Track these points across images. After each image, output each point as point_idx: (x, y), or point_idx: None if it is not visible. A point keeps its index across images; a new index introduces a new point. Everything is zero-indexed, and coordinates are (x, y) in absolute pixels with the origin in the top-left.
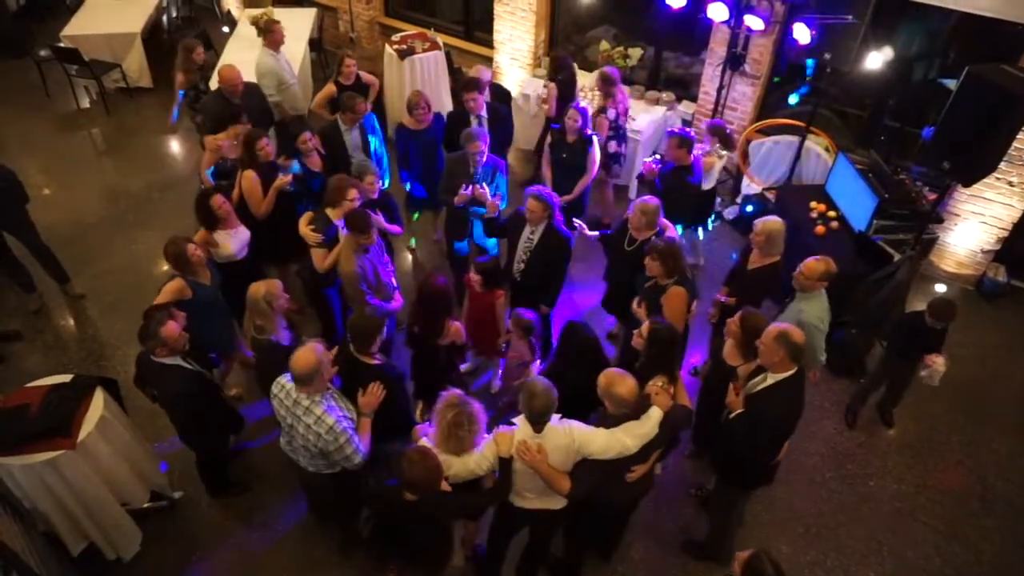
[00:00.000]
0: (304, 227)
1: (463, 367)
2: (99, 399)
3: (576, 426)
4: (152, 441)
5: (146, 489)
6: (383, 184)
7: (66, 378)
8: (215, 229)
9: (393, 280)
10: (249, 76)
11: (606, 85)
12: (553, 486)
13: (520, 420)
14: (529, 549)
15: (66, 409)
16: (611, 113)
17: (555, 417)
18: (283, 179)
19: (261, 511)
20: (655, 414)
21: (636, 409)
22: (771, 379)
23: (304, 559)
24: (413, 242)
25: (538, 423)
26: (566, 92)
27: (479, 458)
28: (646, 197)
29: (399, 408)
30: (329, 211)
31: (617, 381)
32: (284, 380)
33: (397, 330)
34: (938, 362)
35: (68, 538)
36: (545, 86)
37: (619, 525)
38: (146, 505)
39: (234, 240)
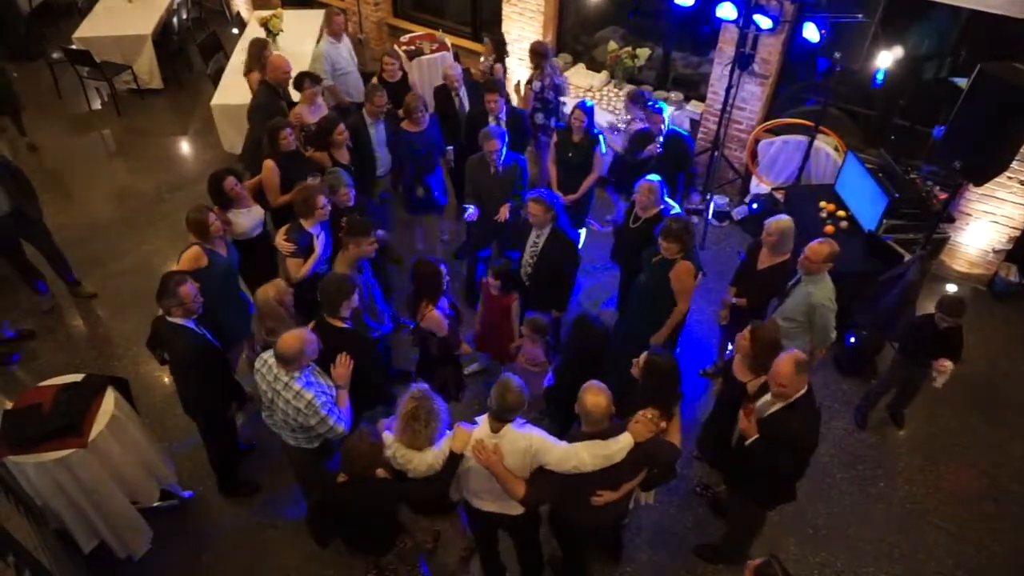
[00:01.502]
0: (279, 238)
1: (470, 369)
2: (110, 398)
3: (537, 433)
4: (163, 440)
5: (156, 488)
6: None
7: (77, 377)
8: (228, 208)
9: (382, 303)
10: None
11: (536, 57)
12: (507, 489)
13: (482, 419)
14: (517, 553)
15: (77, 408)
16: (536, 85)
17: (518, 421)
18: (312, 182)
19: (270, 509)
20: (624, 440)
21: (609, 431)
22: (784, 400)
23: (313, 557)
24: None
25: (500, 420)
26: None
27: (437, 453)
28: (649, 177)
29: (370, 373)
30: (303, 221)
31: (591, 391)
32: (267, 356)
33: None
34: (947, 366)
35: (79, 536)
36: (491, 67)
37: (604, 540)
38: (156, 504)
39: (247, 218)
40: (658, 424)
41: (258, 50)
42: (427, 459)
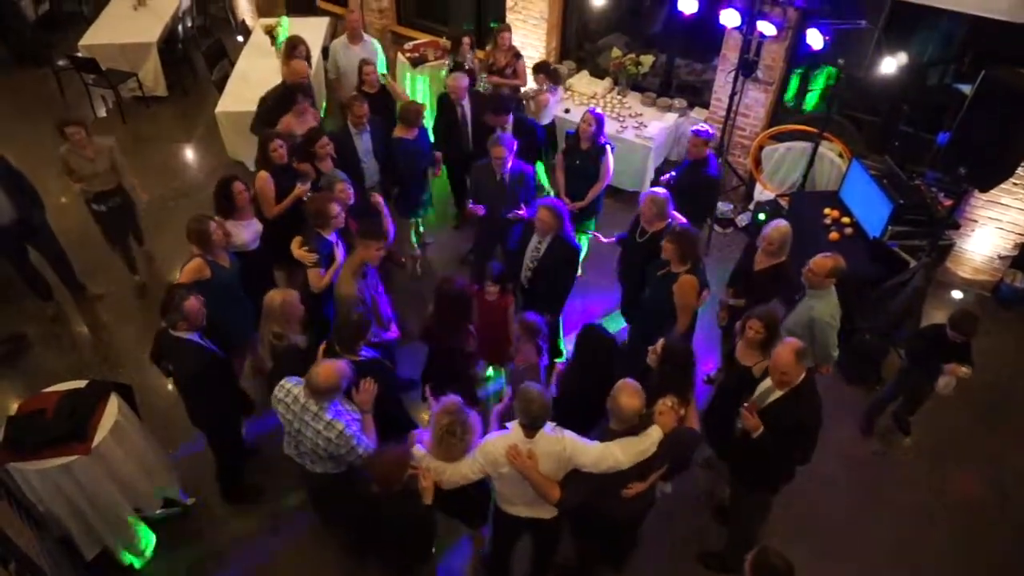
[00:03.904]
0: (297, 249)
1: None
2: (113, 405)
3: (569, 436)
4: (166, 447)
5: (160, 494)
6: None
7: (81, 383)
8: (229, 217)
9: (388, 310)
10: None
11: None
12: (542, 493)
13: (513, 425)
14: (534, 558)
15: (81, 415)
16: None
17: (549, 425)
18: (302, 188)
19: (273, 517)
20: (655, 433)
21: (638, 426)
22: (786, 388)
23: (317, 565)
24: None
25: (533, 428)
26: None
27: (471, 463)
28: (655, 189)
29: (390, 401)
30: (320, 230)
31: (626, 391)
32: (289, 385)
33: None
34: (961, 371)
35: (82, 543)
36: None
37: (627, 537)
38: (159, 510)
39: (246, 231)
40: (678, 411)
41: (292, 48)
42: (461, 469)
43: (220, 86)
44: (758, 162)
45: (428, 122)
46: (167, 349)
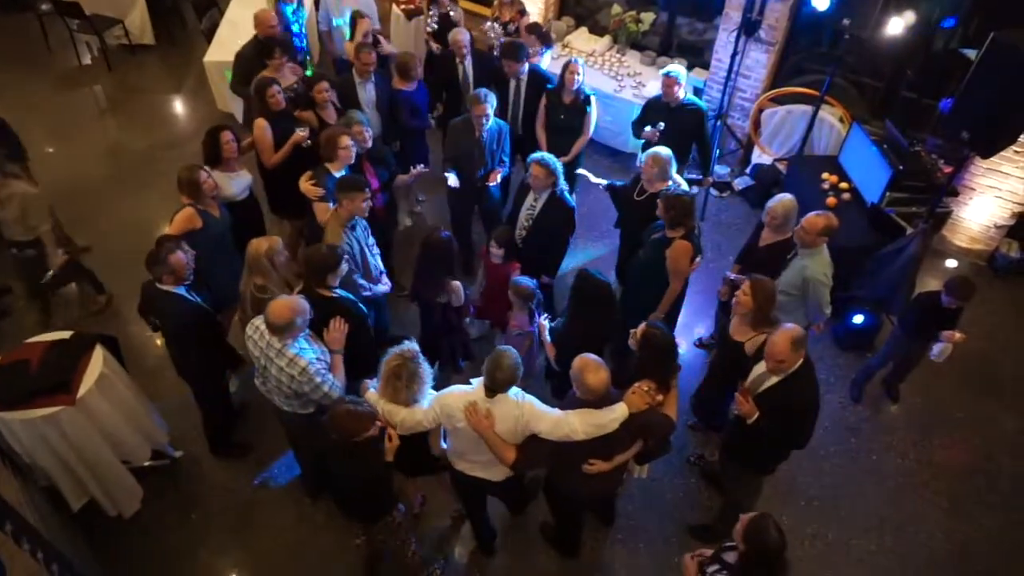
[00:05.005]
0: (305, 183)
1: (474, 333)
2: (99, 356)
3: (530, 402)
4: (154, 399)
5: (147, 447)
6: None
7: (66, 335)
8: (215, 166)
9: (380, 263)
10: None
11: None
12: (497, 454)
13: (477, 382)
14: (510, 510)
15: (66, 366)
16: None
17: (515, 390)
18: (300, 134)
19: (261, 471)
20: (619, 410)
21: (605, 398)
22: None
23: (304, 519)
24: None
25: (494, 391)
26: None
27: (427, 411)
28: (658, 148)
29: (361, 343)
30: (329, 165)
31: (590, 368)
32: (258, 322)
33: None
34: (957, 337)
35: (69, 494)
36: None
37: (603, 514)
38: (147, 463)
39: (233, 183)
40: (654, 397)
41: None
42: (415, 415)
43: (209, 35)
44: (757, 125)
45: None
46: (153, 302)
